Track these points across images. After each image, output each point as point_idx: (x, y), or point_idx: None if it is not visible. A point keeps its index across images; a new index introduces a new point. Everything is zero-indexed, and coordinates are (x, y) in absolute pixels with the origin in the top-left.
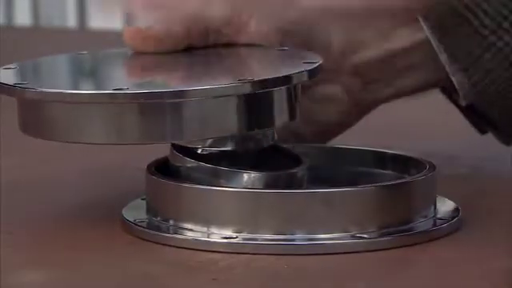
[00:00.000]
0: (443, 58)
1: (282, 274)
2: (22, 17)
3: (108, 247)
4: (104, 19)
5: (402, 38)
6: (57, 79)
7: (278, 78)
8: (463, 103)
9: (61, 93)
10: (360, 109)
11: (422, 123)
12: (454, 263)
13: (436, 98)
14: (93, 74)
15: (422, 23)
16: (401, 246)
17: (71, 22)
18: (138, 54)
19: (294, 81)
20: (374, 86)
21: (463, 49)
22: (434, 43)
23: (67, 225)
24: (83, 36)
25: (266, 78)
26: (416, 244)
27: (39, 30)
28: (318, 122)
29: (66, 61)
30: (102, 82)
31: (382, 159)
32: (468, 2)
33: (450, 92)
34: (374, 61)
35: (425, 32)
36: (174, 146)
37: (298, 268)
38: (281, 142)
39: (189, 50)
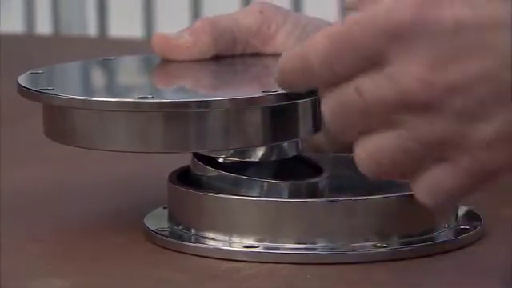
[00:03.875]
0: None
1: (304, 284)
2: (43, 25)
3: (130, 255)
4: (125, 27)
5: None
6: (82, 85)
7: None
8: None
9: (86, 100)
10: None
11: None
12: (476, 273)
13: None
14: (118, 80)
15: None
16: (422, 256)
17: (92, 30)
18: (165, 61)
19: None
20: None
21: None
22: None
23: (89, 233)
24: (104, 44)
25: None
26: (437, 254)
27: (59, 39)
28: (342, 141)
29: (91, 66)
30: (128, 90)
31: None
32: None
33: None
34: None
35: None
36: (195, 155)
37: (320, 277)
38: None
39: (216, 58)
